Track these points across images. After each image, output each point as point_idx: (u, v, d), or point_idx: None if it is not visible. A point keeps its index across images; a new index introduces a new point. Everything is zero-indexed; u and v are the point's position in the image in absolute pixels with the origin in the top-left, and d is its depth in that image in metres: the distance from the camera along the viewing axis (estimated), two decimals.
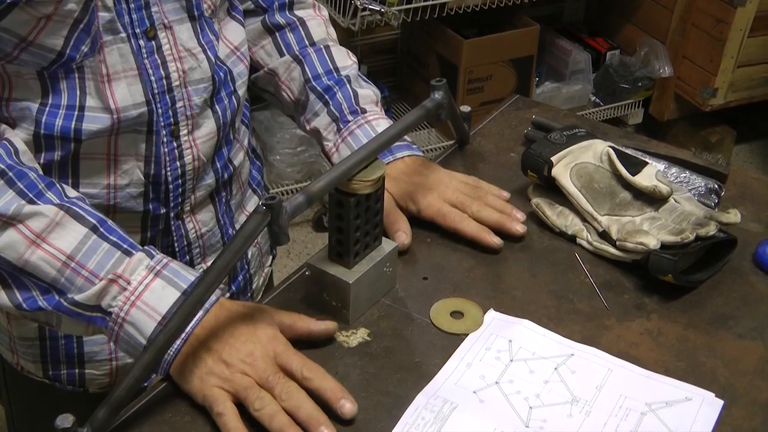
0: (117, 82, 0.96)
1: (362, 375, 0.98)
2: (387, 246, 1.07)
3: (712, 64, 3.12)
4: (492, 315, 1.07)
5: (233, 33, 1.11)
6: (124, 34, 0.95)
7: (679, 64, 3.24)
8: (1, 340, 1.10)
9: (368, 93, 1.22)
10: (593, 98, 3.37)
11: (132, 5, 0.94)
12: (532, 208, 1.22)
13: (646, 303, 1.10)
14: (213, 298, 0.93)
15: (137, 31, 0.96)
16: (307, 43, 1.23)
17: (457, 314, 1.07)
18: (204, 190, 1.10)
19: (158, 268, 0.91)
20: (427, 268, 1.14)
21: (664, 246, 1.09)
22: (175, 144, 1.04)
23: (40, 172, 0.94)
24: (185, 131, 1.03)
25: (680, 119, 3.41)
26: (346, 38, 3.00)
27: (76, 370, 1.08)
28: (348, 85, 1.21)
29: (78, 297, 0.89)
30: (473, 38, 2.99)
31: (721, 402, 0.97)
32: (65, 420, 0.84)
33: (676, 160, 1.30)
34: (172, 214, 1.06)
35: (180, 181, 1.06)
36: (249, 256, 1.19)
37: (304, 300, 1.07)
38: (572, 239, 1.18)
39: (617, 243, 1.13)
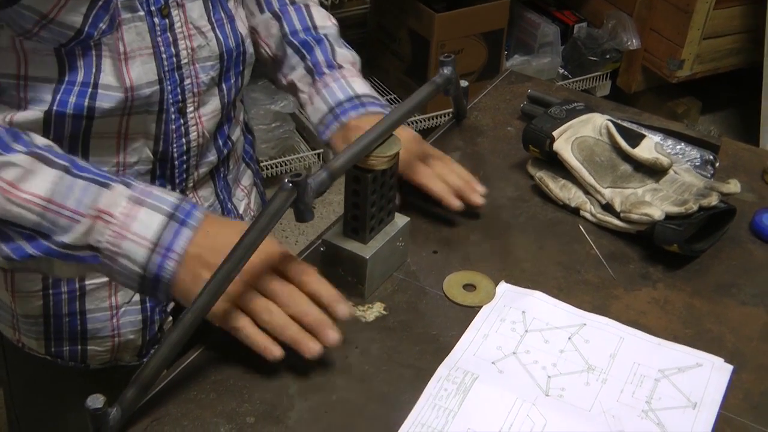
0: (133, 60, 0.96)
1: (382, 349, 1.00)
2: (400, 221, 1.08)
3: (679, 36, 3.16)
4: (504, 287, 1.09)
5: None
6: (142, 12, 0.95)
7: (646, 36, 3.28)
8: (2, 318, 1.10)
9: (346, 53, 1.23)
10: (562, 71, 3.39)
11: None
12: (535, 181, 1.24)
13: (651, 272, 1.12)
14: (198, 215, 0.93)
15: (152, 8, 0.96)
16: (287, 1, 1.23)
17: (469, 287, 1.08)
18: (206, 167, 1.11)
19: (139, 197, 0.91)
20: (437, 242, 1.15)
21: (668, 216, 1.12)
22: (182, 121, 1.04)
23: (5, 129, 0.92)
24: (191, 108, 1.04)
25: (647, 91, 3.45)
26: None
27: (79, 347, 1.08)
28: (326, 41, 1.22)
29: (66, 239, 0.89)
30: (445, 12, 3.00)
31: (730, 367, 1.00)
32: (96, 400, 0.84)
33: (669, 132, 1.32)
34: (176, 191, 1.06)
35: (185, 157, 1.07)
36: None
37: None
38: (575, 212, 1.21)
39: (621, 215, 1.15)
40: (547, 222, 1.20)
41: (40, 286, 1.03)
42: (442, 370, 0.97)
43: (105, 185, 0.90)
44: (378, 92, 3.19)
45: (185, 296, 0.91)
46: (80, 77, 0.95)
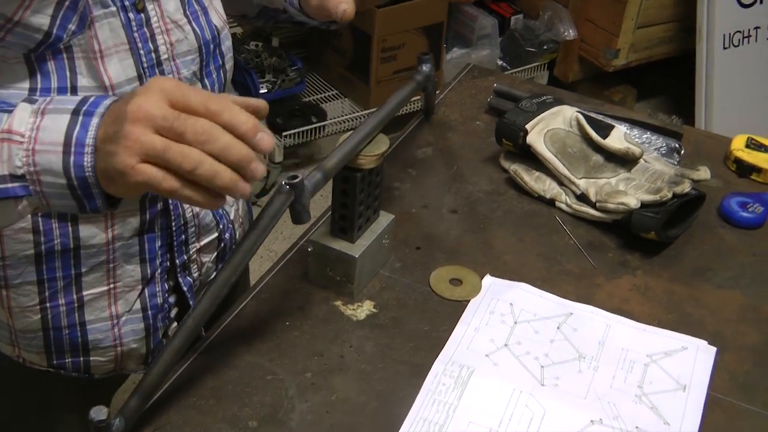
0: (109, 58, 0.93)
1: (377, 346, 1.00)
2: (384, 219, 1.09)
3: (614, 26, 3.22)
4: (489, 280, 1.10)
5: (222, 4, 1.10)
6: (113, 8, 0.92)
7: (581, 26, 3.33)
8: (0, 336, 1.07)
9: None
10: (501, 62, 3.43)
11: None
12: (509, 174, 1.26)
13: (629, 260, 1.15)
14: (106, 101, 0.81)
15: (126, 3, 0.93)
16: None
17: (455, 281, 1.10)
18: None
19: (43, 106, 0.82)
20: (418, 238, 1.16)
21: (644, 204, 1.14)
22: None
23: None
24: None
25: (584, 80, 3.51)
26: None
27: (81, 358, 1.06)
28: None
29: None
30: (386, 7, 3.00)
31: (714, 349, 1.03)
32: (99, 412, 0.83)
33: (634, 121, 1.35)
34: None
35: None
36: (237, 237, 1.18)
37: (305, 276, 1.08)
38: (551, 203, 1.23)
39: (597, 204, 1.18)
40: (524, 214, 1.21)
41: (36, 300, 1.01)
42: (438, 366, 0.98)
43: (7, 111, 0.83)
44: (320, 88, 3.21)
45: (123, 187, 0.79)
46: (54, 83, 0.92)
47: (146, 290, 1.05)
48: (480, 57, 3.37)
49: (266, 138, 0.78)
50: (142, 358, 1.09)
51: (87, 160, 0.80)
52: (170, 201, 1.04)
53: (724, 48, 3.15)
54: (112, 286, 1.02)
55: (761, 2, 3.20)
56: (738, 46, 3.17)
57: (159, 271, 1.05)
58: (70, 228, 0.97)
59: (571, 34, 3.33)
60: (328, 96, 3.21)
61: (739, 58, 3.18)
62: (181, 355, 0.89)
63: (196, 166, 0.75)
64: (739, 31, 3.15)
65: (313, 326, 1.02)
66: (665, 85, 3.62)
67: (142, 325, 1.06)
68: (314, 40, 3.31)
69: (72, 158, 0.80)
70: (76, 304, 1.02)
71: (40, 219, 0.96)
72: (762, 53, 3.26)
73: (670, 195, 1.14)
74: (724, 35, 3.13)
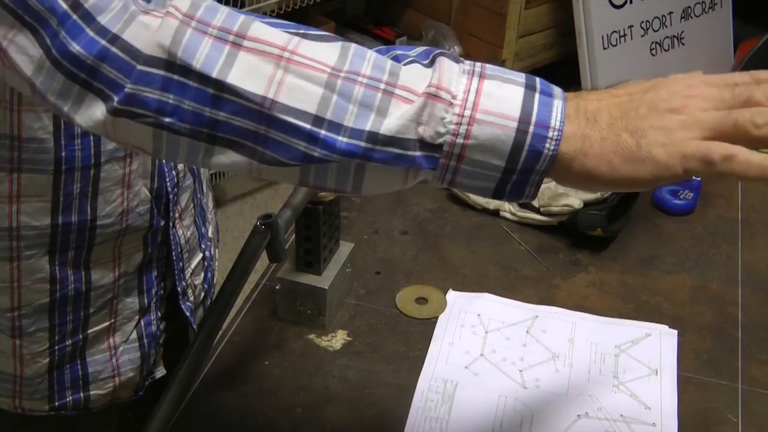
0: None
1: (358, 373, 1.02)
2: (345, 248, 1.10)
3: (497, 37, 3.32)
4: (453, 295, 1.13)
5: None
6: None
7: (465, 41, 3.42)
8: (1, 391, 1.04)
9: None
10: None
11: None
12: (450, 190, 1.29)
13: (580, 259, 1.20)
14: (556, 87, 0.69)
15: None
16: None
17: (421, 300, 1.12)
18: (187, 192, 1.08)
19: (478, 70, 0.67)
20: (376, 263, 1.18)
21: (586, 204, 1.19)
22: None
23: None
24: None
25: None
26: None
27: (81, 394, 1.04)
28: None
29: (390, 122, 0.65)
30: None
31: (675, 332, 1.08)
32: None
33: None
34: (170, 224, 1.04)
35: (176, 190, 1.04)
36: (213, 254, 1.18)
37: (274, 314, 1.09)
38: (495, 213, 1.26)
39: (541, 209, 1.22)
40: (472, 227, 1.25)
41: (47, 345, 0.98)
42: (422, 383, 1.00)
43: (409, 61, 0.67)
44: None
45: (624, 166, 0.65)
46: (78, 129, 0.90)
47: (142, 320, 1.04)
48: None
49: None
50: (135, 385, 1.08)
51: (548, 146, 0.65)
52: (170, 231, 1.02)
53: (604, 48, 3.28)
54: (113, 320, 1.01)
55: (631, 2, 3.35)
56: (616, 45, 3.30)
57: (154, 300, 1.04)
58: (83, 273, 0.96)
59: (456, 50, 3.42)
60: None
61: (619, 57, 3.32)
62: (178, 408, 0.88)
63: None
64: (616, 31, 3.29)
65: (292, 362, 1.03)
66: None
67: (138, 354, 1.05)
68: None
69: (528, 140, 0.65)
70: (81, 343, 1.00)
71: (57, 268, 0.94)
72: (638, 50, 3.41)
73: (609, 192, 1.19)
74: (602, 36, 3.26)
